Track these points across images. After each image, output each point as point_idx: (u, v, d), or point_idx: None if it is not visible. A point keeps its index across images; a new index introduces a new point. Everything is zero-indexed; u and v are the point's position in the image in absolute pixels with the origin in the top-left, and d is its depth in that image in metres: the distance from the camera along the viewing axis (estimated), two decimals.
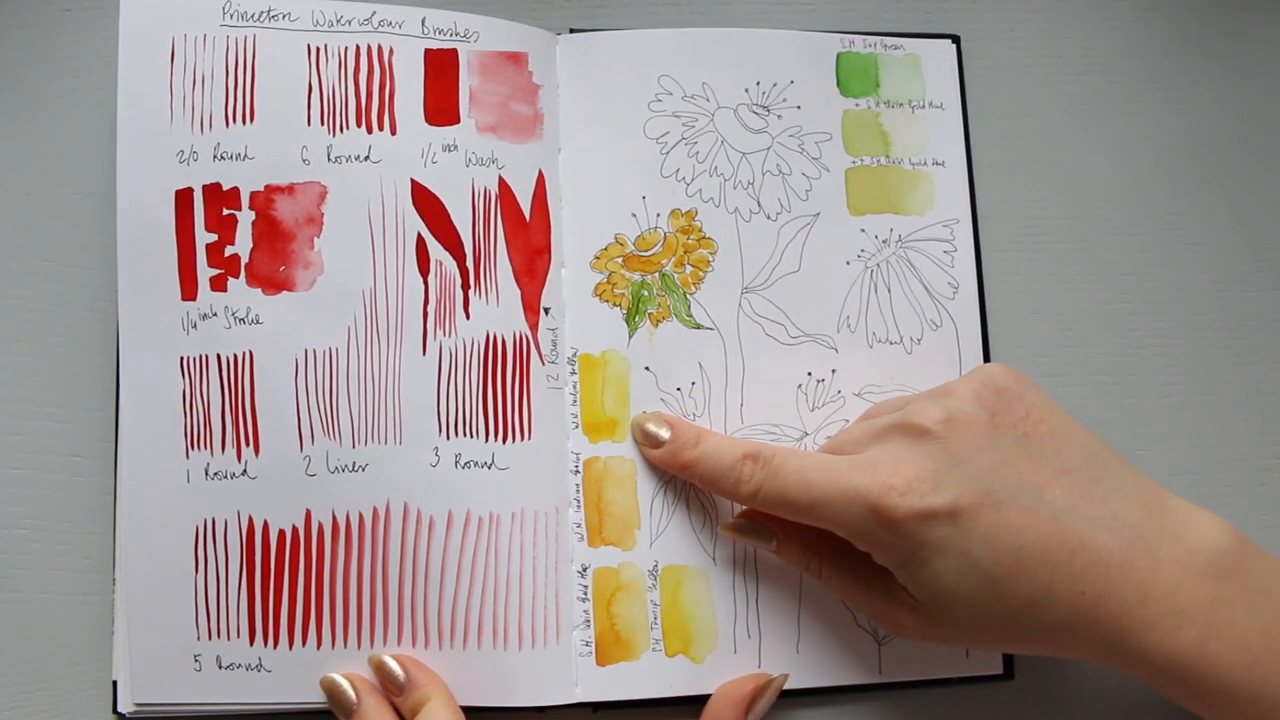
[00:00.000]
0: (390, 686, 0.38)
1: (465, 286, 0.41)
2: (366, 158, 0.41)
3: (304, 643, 0.39)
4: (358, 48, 0.41)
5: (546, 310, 0.42)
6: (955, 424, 0.36)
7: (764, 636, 0.41)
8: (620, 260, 0.43)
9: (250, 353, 0.40)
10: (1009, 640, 0.36)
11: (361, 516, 0.39)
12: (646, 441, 0.41)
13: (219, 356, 0.40)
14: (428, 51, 0.42)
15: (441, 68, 0.42)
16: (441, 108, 0.42)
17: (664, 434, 0.40)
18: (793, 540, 0.39)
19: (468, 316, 0.41)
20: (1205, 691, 0.34)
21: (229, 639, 0.39)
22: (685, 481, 0.41)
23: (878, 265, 0.44)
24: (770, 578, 0.41)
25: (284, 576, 0.39)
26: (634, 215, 0.43)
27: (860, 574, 0.38)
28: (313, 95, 0.41)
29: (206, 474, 0.39)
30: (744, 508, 0.41)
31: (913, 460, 0.35)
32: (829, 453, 0.39)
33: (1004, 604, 0.34)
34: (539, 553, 0.40)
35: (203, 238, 0.40)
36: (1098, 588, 0.34)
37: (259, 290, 0.40)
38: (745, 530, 0.40)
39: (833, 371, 0.43)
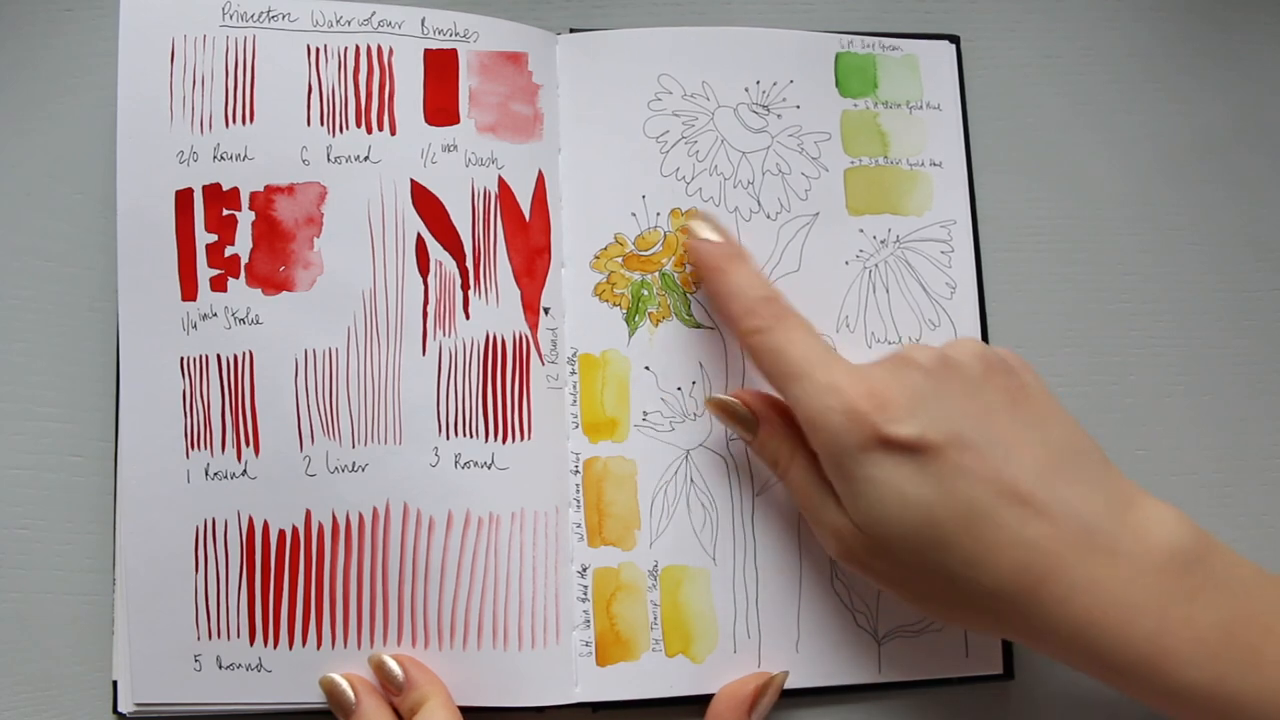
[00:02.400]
0: (389, 686, 0.38)
1: (465, 286, 0.41)
2: (366, 158, 0.41)
3: (304, 643, 0.39)
4: (357, 48, 0.41)
5: (546, 310, 0.42)
6: (947, 365, 0.36)
7: (764, 636, 0.41)
8: (620, 260, 0.43)
9: (250, 353, 0.40)
10: (947, 602, 0.35)
11: (361, 516, 0.39)
12: (700, 227, 0.41)
13: (219, 357, 0.40)
14: (427, 52, 0.42)
15: (441, 68, 0.42)
16: (441, 108, 0.42)
17: (706, 232, 0.40)
18: (770, 435, 0.39)
19: (467, 316, 0.41)
20: (1161, 688, 0.33)
21: (229, 639, 0.39)
22: (685, 481, 0.41)
23: (876, 265, 0.44)
24: (770, 578, 0.41)
25: (284, 576, 0.39)
26: (634, 215, 0.43)
27: (825, 486, 0.37)
28: (312, 95, 0.41)
29: (206, 474, 0.39)
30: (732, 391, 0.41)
31: (896, 384, 0.35)
32: None
33: (944, 553, 0.34)
34: (539, 553, 0.40)
35: (203, 238, 0.40)
36: (1046, 563, 0.33)
37: (259, 290, 0.40)
38: (730, 410, 0.39)
39: None
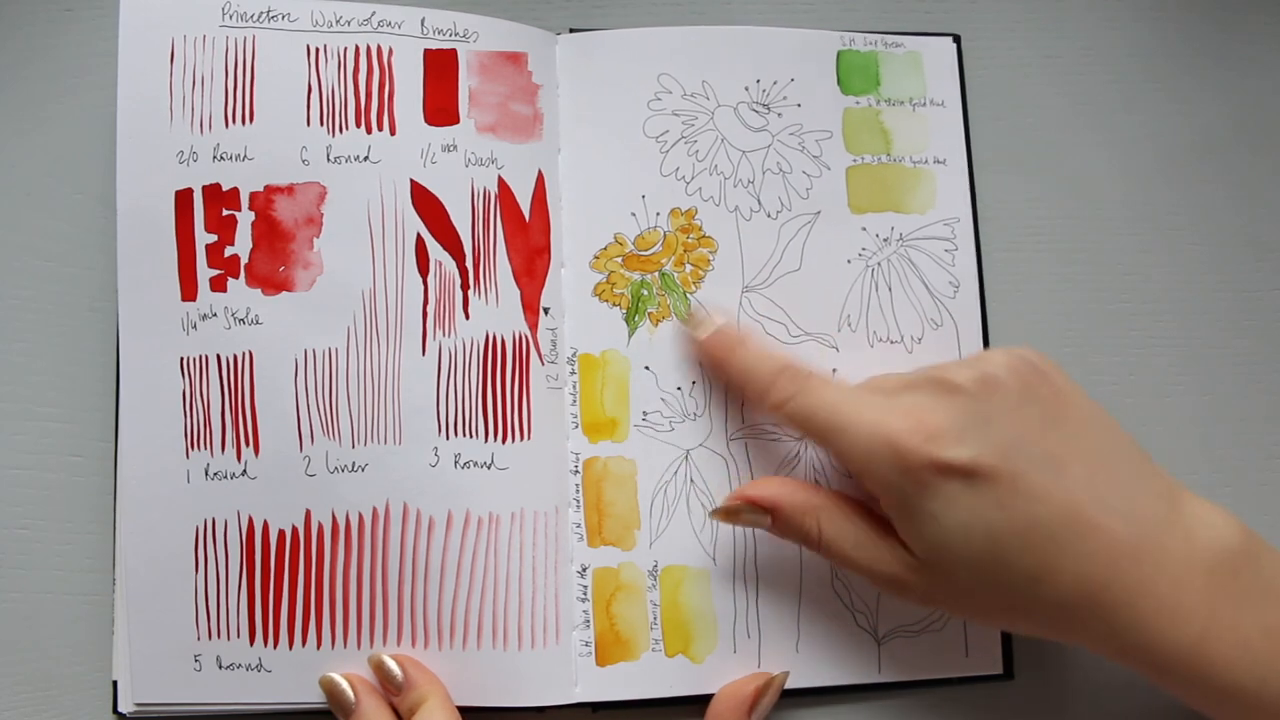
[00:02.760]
0: (389, 686, 0.38)
1: (465, 287, 0.41)
2: (366, 158, 0.41)
3: (304, 643, 0.39)
4: (357, 48, 0.41)
5: (546, 310, 0.42)
6: (988, 385, 0.36)
7: (764, 636, 0.41)
8: (620, 260, 0.43)
9: (250, 353, 0.40)
10: (1008, 615, 0.36)
11: (361, 516, 0.39)
12: (696, 327, 0.41)
13: (219, 357, 0.40)
14: (427, 52, 0.42)
15: (441, 68, 0.42)
16: (441, 108, 0.42)
17: (704, 331, 0.41)
18: (789, 510, 0.38)
19: (467, 317, 0.41)
20: (1205, 690, 0.33)
21: (229, 639, 0.39)
22: (685, 481, 0.41)
23: (878, 264, 0.44)
24: (770, 578, 0.41)
25: (284, 576, 0.39)
26: (633, 214, 0.43)
27: (861, 531, 0.37)
28: (312, 96, 0.41)
29: (206, 474, 0.39)
30: (730, 494, 0.40)
31: (941, 411, 0.35)
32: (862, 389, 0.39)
33: (1006, 574, 0.34)
34: (539, 553, 0.40)
35: (202, 238, 0.40)
36: (1104, 573, 0.33)
37: (259, 290, 0.40)
38: (739, 512, 0.39)
39: (834, 371, 0.43)
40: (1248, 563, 0.34)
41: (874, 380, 0.39)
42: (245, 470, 0.39)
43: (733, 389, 0.41)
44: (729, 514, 0.39)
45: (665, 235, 0.43)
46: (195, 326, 0.40)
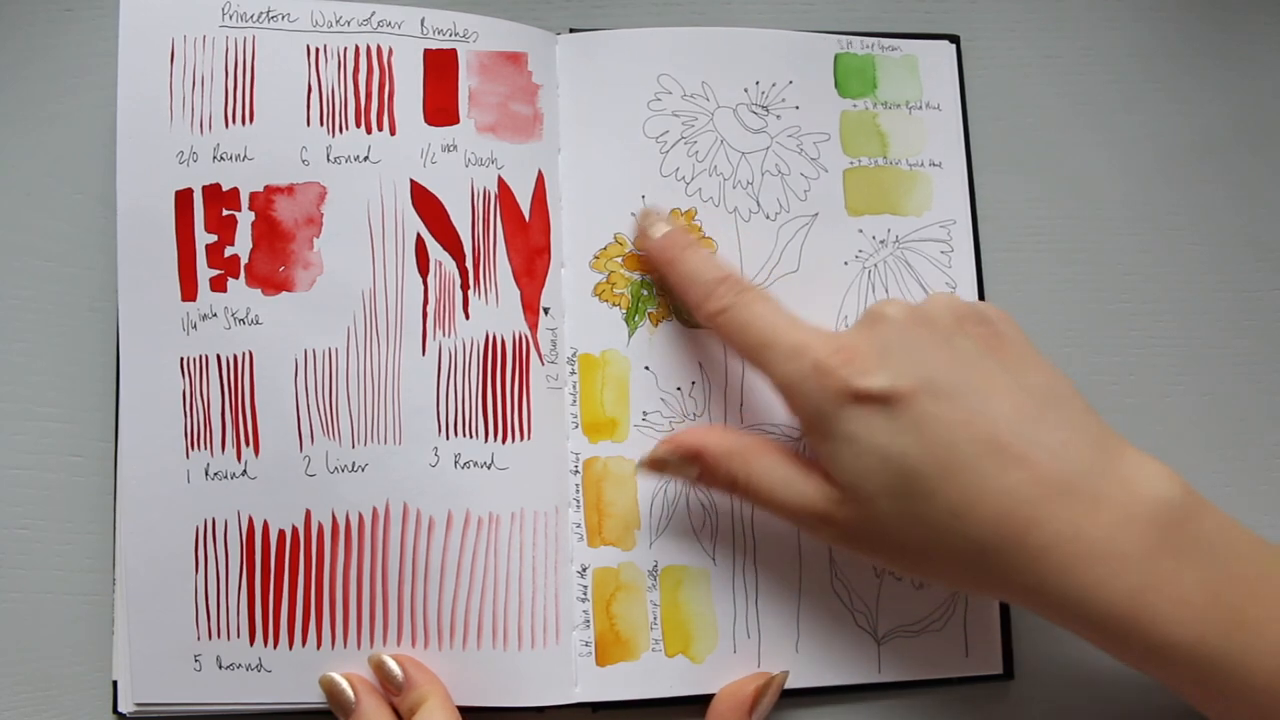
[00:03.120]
0: (389, 686, 0.38)
1: (465, 287, 0.41)
2: (366, 158, 0.41)
3: (304, 643, 0.39)
4: (357, 48, 0.41)
5: (546, 310, 0.42)
6: (918, 318, 0.36)
7: (763, 636, 0.41)
8: (620, 260, 0.43)
9: (250, 353, 0.40)
10: (929, 559, 0.34)
11: (361, 516, 0.39)
12: (642, 233, 0.42)
13: (219, 357, 0.40)
14: (427, 52, 0.42)
15: (441, 68, 0.42)
16: (441, 108, 0.42)
17: (658, 231, 0.41)
18: (714, 454, 0.38)
19: (467, 317, 0.41)
20: (1141, 646, 0.32)
21: (229, 639, 0.39)
22: (684, 481, 0.41)
23: (875, 266, 0.44)
24: (770, 578, 0.41)
25: (284, 576, 0.39)
26: (633, 214, 0.43)
27: (788, 470, 0.37)
28: (312, 96, 0.41)
29: (206, 474, 0.39)
30: (659, 444, 0.39)
31: (865, 338, 0.35)
32: None
33: (926, 505, 0.33)
34: (539, 553, 0.40)
35: (202, 238, 0.40)
36: (1028, 511, 0.32)
37: (259, 290, 0.40)
38: (667, 463, 0.38)
39: None
40: (1190, 517, 0.32)
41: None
42: (245, 470, 0.39)
43: (675, 293, 0.41)
44: (655, 463, 0.39)
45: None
46: (195, 326, 0.40)
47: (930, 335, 0.35)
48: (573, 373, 0.42)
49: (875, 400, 0.34)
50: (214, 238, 0.40)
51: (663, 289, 0.43)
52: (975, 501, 0.33)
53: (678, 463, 0.38)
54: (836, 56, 0.45)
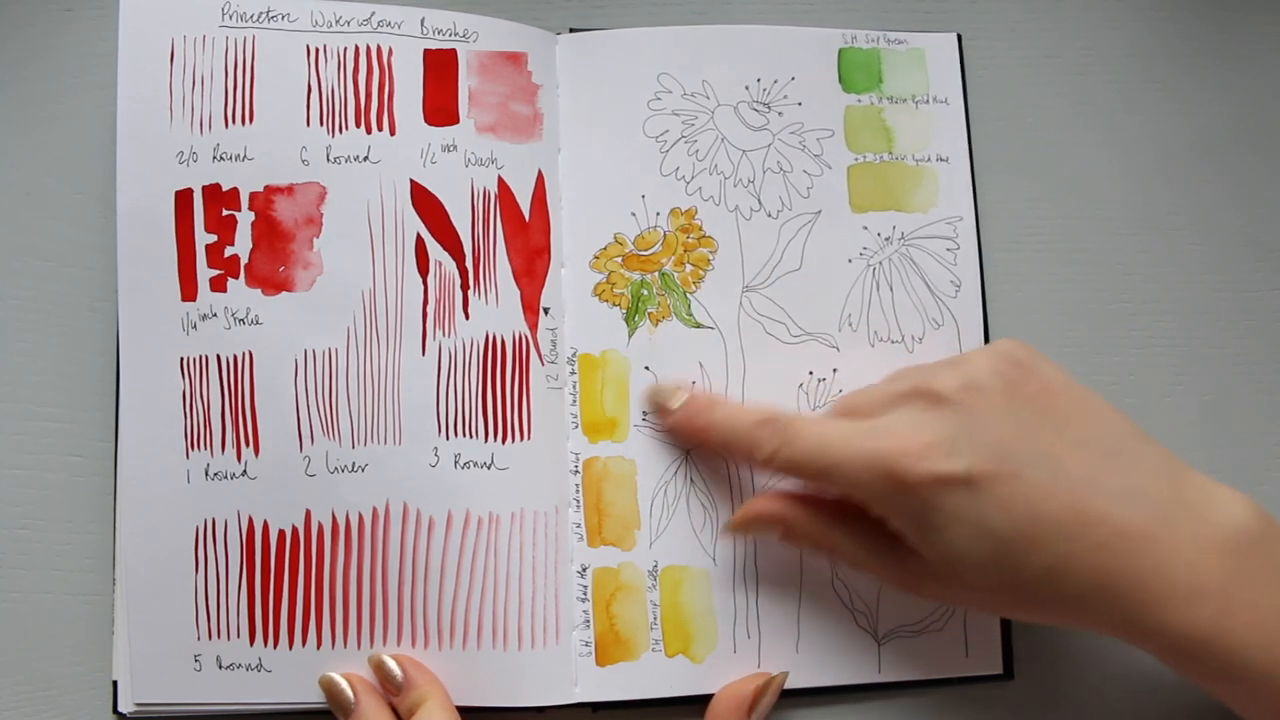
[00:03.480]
0: (388, 686, 0.38)
1: (464, 287, 0.41)
2: (366, 158, 0.41)
3: (304, 643, 0.39)
4: (357, 48, 0.41)
5: (546, 310, 0.42)
6: (972, 391, 0.36)
7: (763, 636, 0.41)
8: (620, 260, 0.43)
9: (250, 353, 0.40)
10: (1024, 607, 0.36)
11: (361, 516, 0.39)
12: (660, 410, 0.41)
13: (219, 357, 0.40)
14: (427, 52, 0.42)
15: (441, 68, 0.42)
16: (441, 108, 0.42)
17: (676, 402, 0.41)
18: (800, 522, 0.39)
19: (467, 317, 0.41)
20: (1219, 670, 0.33)
21: (229, 639, 0.39)
22: (685, 481, 0.41)
23: (880, 263, 0.44)
24: (770, 578, 0.41)
25: (284, 576, 0.39)
26: (633, 214, 0.43)
27: (874, 540, 0.37)
28: (312, 96, 0.41)
29: (206, 474, 0.39)
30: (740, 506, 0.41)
31: (929, 426, 0.35)
32: (841, 412, 0.39)
33: (1019, 573, 0.34)
34: (539, 553, 0.40)
35: (202, 238, 0.40)
36: (1115, 560, 0.33)
37: (259, 291, 0.40)
38: (749, 525, 0.40)
39: (834, 371, 0.43)
40: (1262, 541, 0.34)
41: (854, 399, 0.39)
42: (245, 470, 0.39)
43: (721, 453, 0.41)
44: (744, 526, 0.40)
45: (665, 235, 0.43)
46: (195, 327, 0.40)
47: (989, 408, 0.36)
48: (573, 373, 0.42)
49: (957, 485, 0.34)
50: (214, 238, 0.40)
51: (702, 450, 0.42)
52: (1064, 565, 0.34)
53: (761, 528, 0.40)
54: (841, 51, 0.45)
